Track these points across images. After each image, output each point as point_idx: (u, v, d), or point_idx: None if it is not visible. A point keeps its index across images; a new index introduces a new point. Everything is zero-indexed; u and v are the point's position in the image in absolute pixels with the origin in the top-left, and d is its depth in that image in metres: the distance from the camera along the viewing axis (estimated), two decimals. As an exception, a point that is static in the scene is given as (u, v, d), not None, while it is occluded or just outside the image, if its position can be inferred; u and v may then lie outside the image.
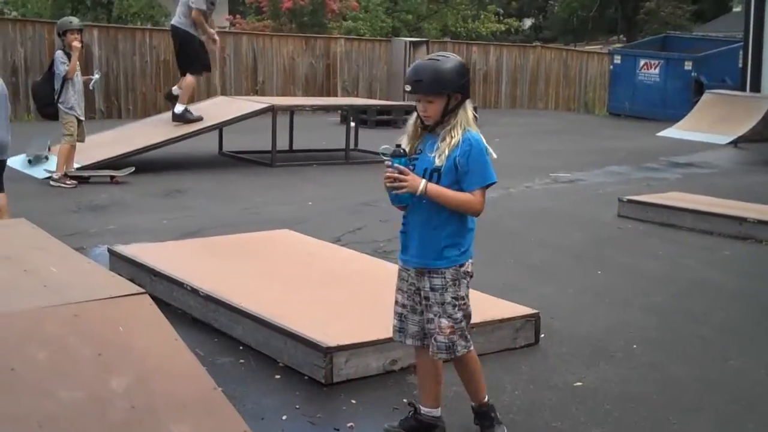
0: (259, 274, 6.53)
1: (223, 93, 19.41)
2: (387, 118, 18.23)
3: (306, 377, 5.16)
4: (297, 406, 4.82)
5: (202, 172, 12.31)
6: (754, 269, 7.96)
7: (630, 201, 10.10)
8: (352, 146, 13.92)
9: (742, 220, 9.19)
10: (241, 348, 5.61)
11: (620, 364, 5.59)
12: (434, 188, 4.06)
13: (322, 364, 5.08)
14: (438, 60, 4.10)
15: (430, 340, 4.24)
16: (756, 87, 18.63)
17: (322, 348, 5.09)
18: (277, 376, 5.22)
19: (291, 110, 14.07)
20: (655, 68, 20.85)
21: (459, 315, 4.21)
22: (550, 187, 12.15)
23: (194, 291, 6.12)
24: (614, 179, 12.90)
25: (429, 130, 4.18)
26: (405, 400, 4.82)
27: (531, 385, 5.20)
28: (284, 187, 11.35)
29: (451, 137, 4.08)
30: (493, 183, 4.14)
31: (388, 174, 4.05)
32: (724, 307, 6.81)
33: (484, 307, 5.58)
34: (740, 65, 19.55)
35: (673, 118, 18.79)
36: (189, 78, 12.61)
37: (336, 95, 22.09)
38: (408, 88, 4.10)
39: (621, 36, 46.41)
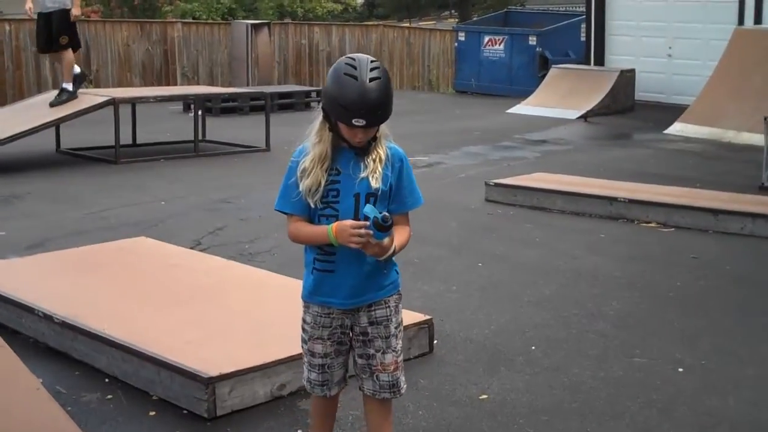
0: (119, 291, 5.89)
1: (56, 86, 18.27)
2: (233, 105, 17.53)
3: (185, 411, 4.60)
4: (179, 449, 4.27)
5: (39, 173, 11.39)
6: (634, 252, 7.76)
7: (497, 185, 9.81)
8: (200, 137, 13.21)
9: (612, 200, 9.02)
10: (107, 380, 4.99)
11: (523, 370, 5.22)
12: (397, 245, 3.49)
13: (204, 396, 4.53)
14: (384, 79, 3.36)
15: (364, 379, 3.66)
16: (600, 60, 18.77)
17: (203, 378, 4.53)
18: (152, 413, 4.64)
19: (133, 102, 13.23)
20: (499, 44, 20.75)
21: (400, 346, 3.67)
22: (411, 173, 11.75)
23: (47, 317, 5.43)
24: (474, 161, 12.64)
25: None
26: (299, 431, 4.35)
27: (434, 402, 4.77)
28: (132, 186, 10.59)
29: (377, 153, 3.48)
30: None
31: (363, 240, 3.35)
32: (616, 296, 6.55)
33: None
34: (583, 39, 19.66)
35: (520, 94, 18.76)
36: (69, 54, 12.07)
37: (176, 82, 21.19)
38: (361, 122, 3.33)
39: (453, 11, 46.63)
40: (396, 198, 3.54)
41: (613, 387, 4.99)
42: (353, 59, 3.34)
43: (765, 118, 10.52)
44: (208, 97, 15.81)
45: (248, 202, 9.65)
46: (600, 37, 18.71)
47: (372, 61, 3.36)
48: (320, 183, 3.44)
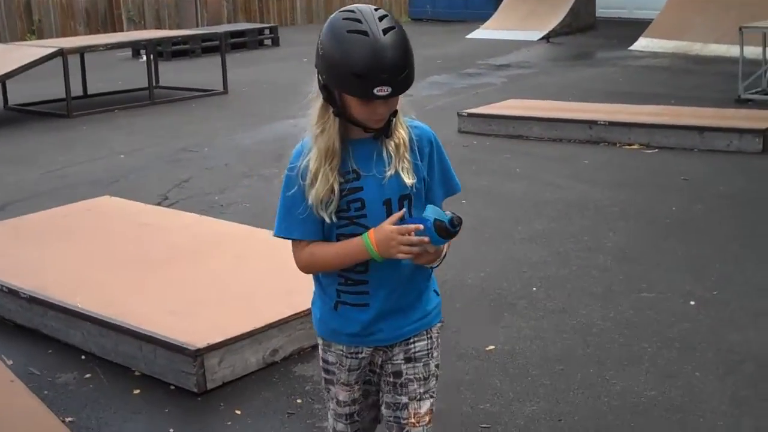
0: (89, 258, 5.47)
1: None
2: (184, 48, 16.95)
3: (172, 387, 4.25)
4: (171, 430, 3.92)
5: (-11, 132, 10.86)
6: (621, 178, 7.46)
7: (471, 115, 9.46)
8: (154, 83, 12.68)
9: (592, 123, 8.72)
10: (83, 358, 4.61)
11: (527, 314, 4.92)
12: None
13: (192, 370, 4.18)
14: (399, 29, 2.45)
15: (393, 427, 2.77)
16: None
17: (190, 351, 4.17)
18: (136, 391, 4.28)
19: (82, 51, 12.65)
20: (454, -32, 20.26)
21: (435, 388, 2.81)
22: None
23: (13, 292, 5.02)
24: (440, 91, 12.25)
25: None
26: (299, 401, 4.03)
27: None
28: (88, 141, 10.10)
29: (400, 136, 2.56)
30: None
31: (417, 250, 2.48)
32: (611, 227, 6.26)
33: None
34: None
35: (478, 18, 18.35)
36: None
37: (122, 28, 20.49)
38: (386, 90, 2.37)
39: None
40: (429, 193, 2.65)
41: (626, 328, 4.70)
42: (353, 11, 2.43)
43: (740, 29, 10.20)
44: (159, 41, 15.23)
45: (212, 150, 9.23)
46: (557, -46, 18.25)
47: (376, 9, 2.46)
48: (333, 189, 2.52)
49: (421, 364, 2.71)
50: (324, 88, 2.48)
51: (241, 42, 17.80)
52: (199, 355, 4.17)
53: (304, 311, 4.37)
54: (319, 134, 2.53)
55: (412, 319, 2.67)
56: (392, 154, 2.54)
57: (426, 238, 2.46)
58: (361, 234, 2.53)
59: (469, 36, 17.41)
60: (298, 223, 2.58)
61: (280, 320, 4.45)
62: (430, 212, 2.47)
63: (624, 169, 7.77)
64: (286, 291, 4.68)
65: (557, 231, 6.25)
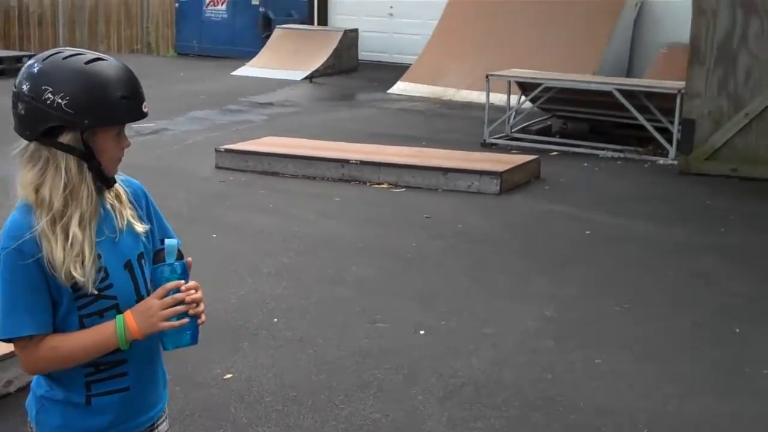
0: None
1: None
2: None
3: None
4: None
5: None
6: (369, 215, 7.78)
7: (228, 150, 9.58)
8: None
9: (344, 162, 9.02)
10: None
11: (267, 345, 5.10)
12: None
13: None
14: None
15: None
16: (324, 20, 18.78)
17: None
18: None
19: None
20: (222, 4, 20.30)
21: None
22: (136, 141, 11.28)
23: None
24: (201, 126, 12.30)
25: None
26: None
27: (176, 385, 4.52)
28: None
29: (117, 189, 2.32)
30: None
31: (186, 308, 2.21)
32: (355, 261, 6.53)
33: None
34: (306, -1, 19.60)
35: (245, 55, 18.47)
36: None
37: None
38: (147, 107, 2.26)
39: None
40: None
41: (359, 355, 4.95)
42: (62, 50, 2.22)
43: (486, 76, 10.83)
44: None
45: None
46: (323, -3, 18.73)
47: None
48: (96, 257, 2.21)
49: None
50: (77, 141, 2.16)
51: (-1, 69, 17.26)
52: (-74, 386, 4.09)
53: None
54: (82, 193, 2.18)
55: (160, 396, 2.46)
56: (116, 207, 2.29)
57: (182, 282, 2.21)
58: (110, 310, 2.23)
59: (235, 73, 17.52)
60: (35, 316, 2.17)
61: (13, 351, 4.41)
62: (171, 245, 2.24)
63: (372, 206, 8.10)
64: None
65: (303, 264, 6.46)
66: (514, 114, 11.14)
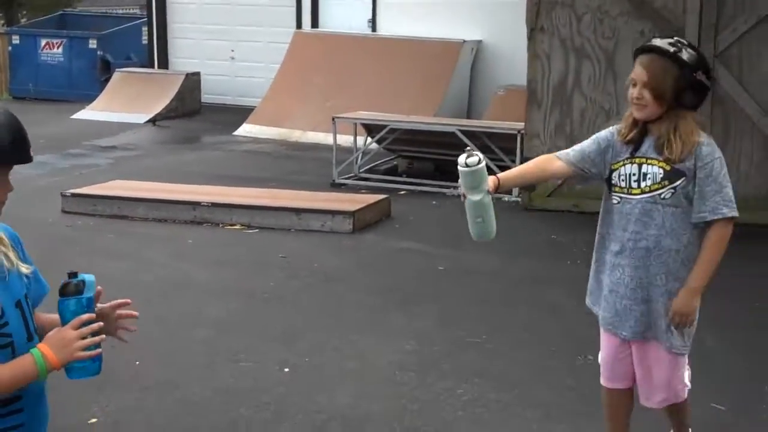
0: None
1: None
2: None
3: None
4: None
5: None
6: (223, 256, 7.79)
7: (74, 195, 9.42)
8: None
9: (195, 204, 8.99)
10: None
11: (132, 387, 5.06)
12: None
13: None
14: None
15: None
16: (164, 63, 18.64)
17: None
18: None
19: None
20: (58, 47, 19.91)
21: None
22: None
23: None
24: (42, 171, 11.99)
25: None
26: None
27: None
28: None
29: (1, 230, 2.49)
30: None
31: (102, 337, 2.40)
32: (212, 303, 6.54)
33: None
34: (145, 42, 19.44)
35: (82, 99, 18.16)
36: None
37: None
38: (32, 152, 2.46)
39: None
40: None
41: (226, 394, 4.98)
42: None
43: (333, 119, 11.01)
44: None
45: None
46: (163, 40, 18.56)
47: None
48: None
49: None
50: None
51: None
52: None
53: None
54: None
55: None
56: (1, 249, 2.39)
57: (94, 315, 2.37)
58: (3, 348, 2.31)
59: (75, 116, 17.19)
60: None
61: None
62: (90, 278, 2.42)
63: (226, 248, 8.11)
64: None
65: (159, 307, 6.41)
66: (361, 155, 11.33)
